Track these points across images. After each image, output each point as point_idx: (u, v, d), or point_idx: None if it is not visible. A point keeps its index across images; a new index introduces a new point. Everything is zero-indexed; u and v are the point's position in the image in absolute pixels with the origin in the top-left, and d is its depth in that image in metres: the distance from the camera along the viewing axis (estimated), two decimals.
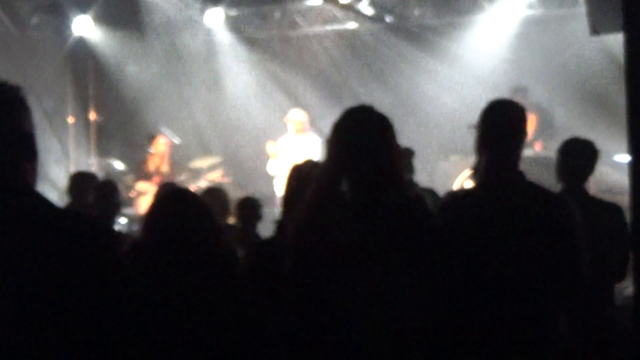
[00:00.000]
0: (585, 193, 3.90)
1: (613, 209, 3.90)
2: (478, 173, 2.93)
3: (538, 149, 9.34)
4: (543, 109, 9.52)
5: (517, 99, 9.04)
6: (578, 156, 3.95)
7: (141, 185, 9.40)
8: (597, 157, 4.00)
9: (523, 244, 2.70)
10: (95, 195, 4.55)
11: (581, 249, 2.77)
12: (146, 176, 9.49)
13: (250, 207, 5.10)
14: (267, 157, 9.46)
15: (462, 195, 2.99)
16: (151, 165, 9.57)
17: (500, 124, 2.86)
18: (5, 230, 1.81)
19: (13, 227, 1.82)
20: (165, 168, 9.63)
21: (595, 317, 3.67)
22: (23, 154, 1.91)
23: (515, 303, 2.69)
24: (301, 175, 3.20)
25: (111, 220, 4.59)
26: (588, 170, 3.97)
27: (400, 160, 2.52)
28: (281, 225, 3.15)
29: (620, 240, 3.77)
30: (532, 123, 9.42)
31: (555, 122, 9.30)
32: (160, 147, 9.65)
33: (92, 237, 1.88)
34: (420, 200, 2.50)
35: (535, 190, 2.84)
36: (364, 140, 2.46)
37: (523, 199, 2.78)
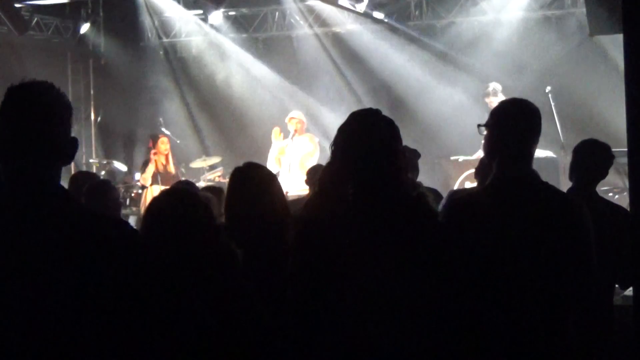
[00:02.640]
0: (594, 195, 3.89)
1: (621, 211, 3.88)
2: (486, 172, 2.91)
3: None
4: None
5: (489, 99, 9.12)
6: (592, 158, 3.94)
7: (146, 182, 9.42)
8: (611, 161, 3.98)
9: (535, 245, 2.69)
10: (86, 195, 4.51)
11: (592, 253, 2.76)
12: (153, 177, 9.49)
13: None
14: (267, 158, 9.47)
15: (473, 194, 2.97)
16: (157, 166, 9.56)
17: (516, 123, 2.83)
18: (45, 234, 1.84)
19: (53, 231, 1.84)
20: (170, 168, 9.62)
21: (597, 319, 3.66)
22: (63, 158, 1.94)
23: (525, 304, 2.67)
24: (243, 178, 3.22)
25: None
26: (600, 173, 3.95)
27: (405, 163, 2.52)
28: (227, 229, 3.16)
29: (627, 244, 3.75)
30: None
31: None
32: (164, 146, 9.64)
33: (122, 239, 1.92)
34: (423, 199, 2.50)
35: (549, 191, 2.83)
36: (370, 144, 2.46)
37: (537, 200, 2.76)
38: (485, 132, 2.90)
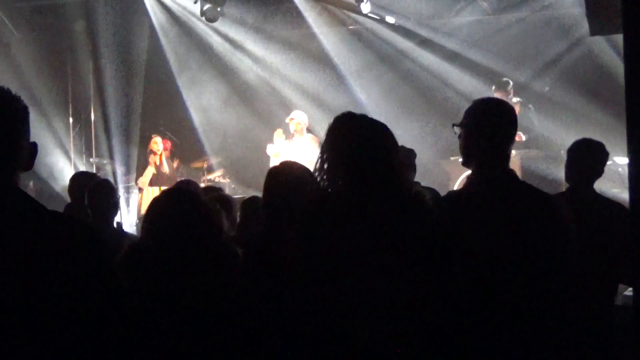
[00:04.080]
0: (592, 193, 3.89)
1: (620, 208, 3.89)
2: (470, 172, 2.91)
3: (518, 139, 9.49)
4: (524, 104, 9.61)
5: (499, 93, 9.18)
6: (587, 157, 3.94)
7: (144, 185, 9.44)
8: (606, 159, 3.98)
9: (514, 243, 2.68)
10: (88, 195, 4.53)
11: (572, 248, 2.74)
12: (152, 179, 9.50)
13: (254, 207, 5.08)
14: (267, 158, 9.48)
15: (453, 195, 2.97)
16: (152, 167, 9.57)
17: (492, 123, 2.82)
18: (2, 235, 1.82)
19: (9, 232, 1.82)
20: (165, 168, 9.61)
21: (597, 316, 3.65)
22: (22, 163, 1.91)
23: (507, 302, 2.66)
24: (280, 177, 3.20)
25: (107, 220, 4.56)
26: (597, 171, 3.95)
27: (398, 161, 2.52)
28: (267, 228, 3.15)
29: (625, 237, 3.77)
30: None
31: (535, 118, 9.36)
32: (157, 147, 9.62)
33: (78, 240, 1.89)
34: (421, 198, 2.51)
35: (526, 189, 2.83)
36: (358, 144, 2.47)
37: (514, 199, 2.76)
38: (460, 132, 2.88)
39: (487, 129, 2.80)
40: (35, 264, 1.80)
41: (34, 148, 1.94)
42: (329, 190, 2.50)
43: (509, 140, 2.84)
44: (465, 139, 2.84)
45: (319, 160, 2.54)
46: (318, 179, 2.53)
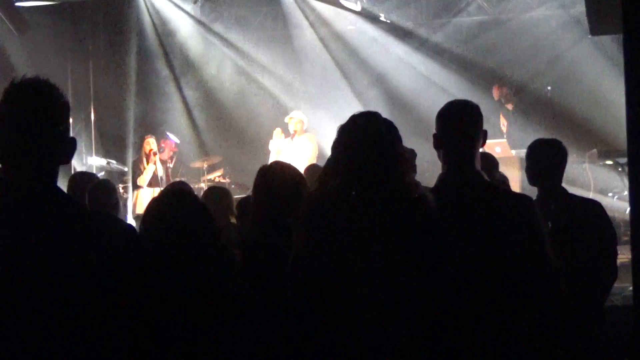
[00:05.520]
0: (563, 192, 3.85)
1: (593, 204, 3.89)
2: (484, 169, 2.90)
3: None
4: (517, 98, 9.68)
5: (495, 90, 9.24)
6: (547, 158, 3.87)
7: (144, 184, 9.42)
8: (566, 154, 3.92)
9: (481, 244, 2.66)
10: (89, 196, 4.53)
11: (545, 245, 2.71)
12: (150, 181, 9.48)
13: (249, 207, 5.07)
14: (267, 157, 9.48)
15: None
16: (154, 165, 9.54)
17: (452, 125, 2.84)
18: (45, 233, 1.84)
19: (53, 230, 1.85)
20: (157, 169, 9.55)
21: (583, 314, 3.64)
22: (62, 157, 1.94)
23: (480, 303, 2.62)
24: (270, 176, 3.21)
25: None
26: (560, 169, 3.88)
27: (405, 163, 2.52)
28: (256, 226, 3.16)
29: (605, 235, 3.77)
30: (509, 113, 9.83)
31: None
32: (150, 147, 9.59)
33: (121, 237, 1.94)
34: (425, 200, 2.50)
35: (493, 190, 2.83)
36: (370, 145, 2.47)
37: (480, 200, 2.75)
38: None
39: (446, 132, 2.85)
40: (74, 260, 1.83)
41: (73, 143, 1.97)
42: (337, 189, 2.50)
43: (471, 140, 2.84)
44: (434, 145, 2.89)
45: (329, 159, 2.55)
46: (327, 178, 2.53)
